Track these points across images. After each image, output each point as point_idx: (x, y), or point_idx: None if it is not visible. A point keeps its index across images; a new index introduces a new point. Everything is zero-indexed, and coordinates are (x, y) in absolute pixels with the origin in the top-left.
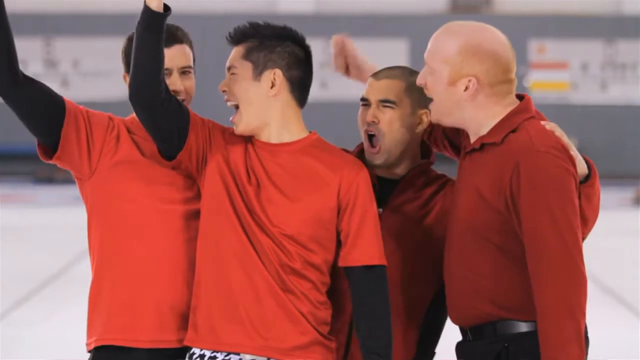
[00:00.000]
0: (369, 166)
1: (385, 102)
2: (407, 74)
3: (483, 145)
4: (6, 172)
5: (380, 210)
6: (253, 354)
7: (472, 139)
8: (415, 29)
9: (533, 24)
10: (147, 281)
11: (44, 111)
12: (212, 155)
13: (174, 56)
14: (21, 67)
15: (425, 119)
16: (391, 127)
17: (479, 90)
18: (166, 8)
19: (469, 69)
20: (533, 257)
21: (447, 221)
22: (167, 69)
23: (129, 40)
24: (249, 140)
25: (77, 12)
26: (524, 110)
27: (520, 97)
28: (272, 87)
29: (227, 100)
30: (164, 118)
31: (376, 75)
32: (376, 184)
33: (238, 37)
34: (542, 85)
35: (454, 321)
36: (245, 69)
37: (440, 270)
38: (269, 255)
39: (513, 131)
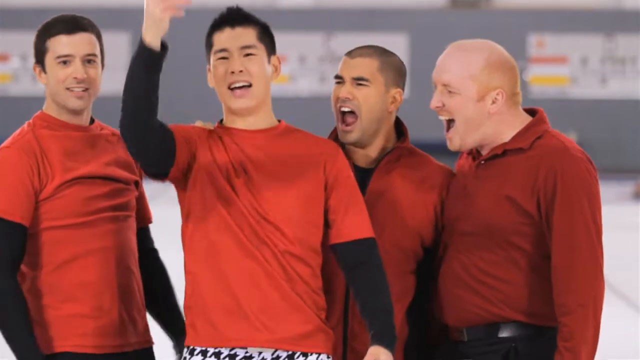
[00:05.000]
0: (343, 148)
1: (359, 80)
2: (380, 53)
3: (505, 151)
4: None
5: None
6: (261, 347)
7: (486, 152)
8: (415, 23)
9: (532, 18)
10: (80, 289)
11: None
12: (197, 161)
13: (78, 43)
14: (21, 61)
15: (398, 98)
16: (367, 103)
17: (504, 102)
18: (164, 47)
19: (496, 82)
20: (563, 256)
21: (450, 224)
22: (70, 56)
23: (39, 33)
24: (225, 132)
25: (76, 6)
26: (543, 121)
27: (528, 110)
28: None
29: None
30: (154, 148)
31: (350, 54)
32: (352, 173)
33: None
34: (542, 79)
35: (448, 319)
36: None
37: (419, 252)
38: (269, 245)
39: (539, 137)
